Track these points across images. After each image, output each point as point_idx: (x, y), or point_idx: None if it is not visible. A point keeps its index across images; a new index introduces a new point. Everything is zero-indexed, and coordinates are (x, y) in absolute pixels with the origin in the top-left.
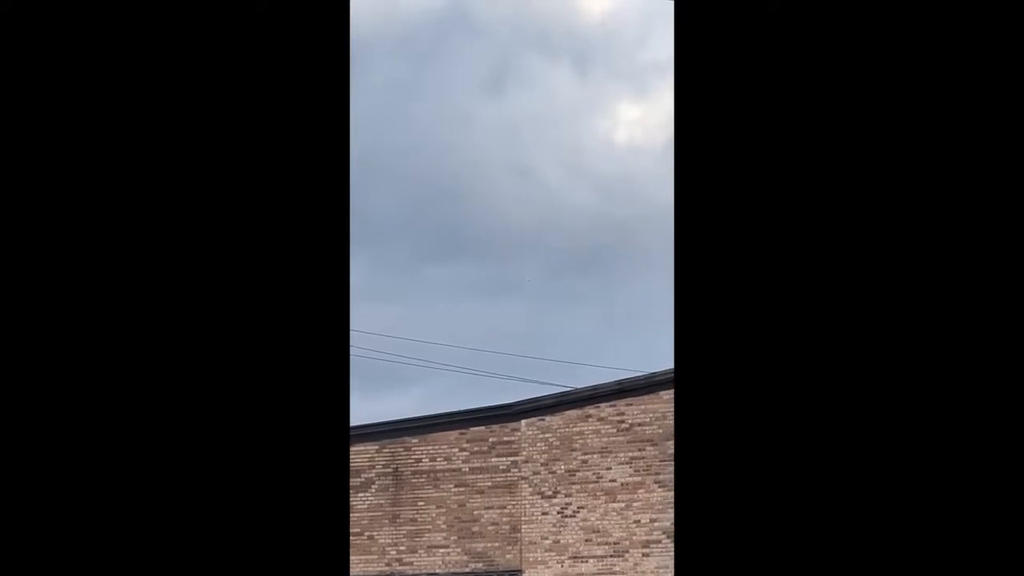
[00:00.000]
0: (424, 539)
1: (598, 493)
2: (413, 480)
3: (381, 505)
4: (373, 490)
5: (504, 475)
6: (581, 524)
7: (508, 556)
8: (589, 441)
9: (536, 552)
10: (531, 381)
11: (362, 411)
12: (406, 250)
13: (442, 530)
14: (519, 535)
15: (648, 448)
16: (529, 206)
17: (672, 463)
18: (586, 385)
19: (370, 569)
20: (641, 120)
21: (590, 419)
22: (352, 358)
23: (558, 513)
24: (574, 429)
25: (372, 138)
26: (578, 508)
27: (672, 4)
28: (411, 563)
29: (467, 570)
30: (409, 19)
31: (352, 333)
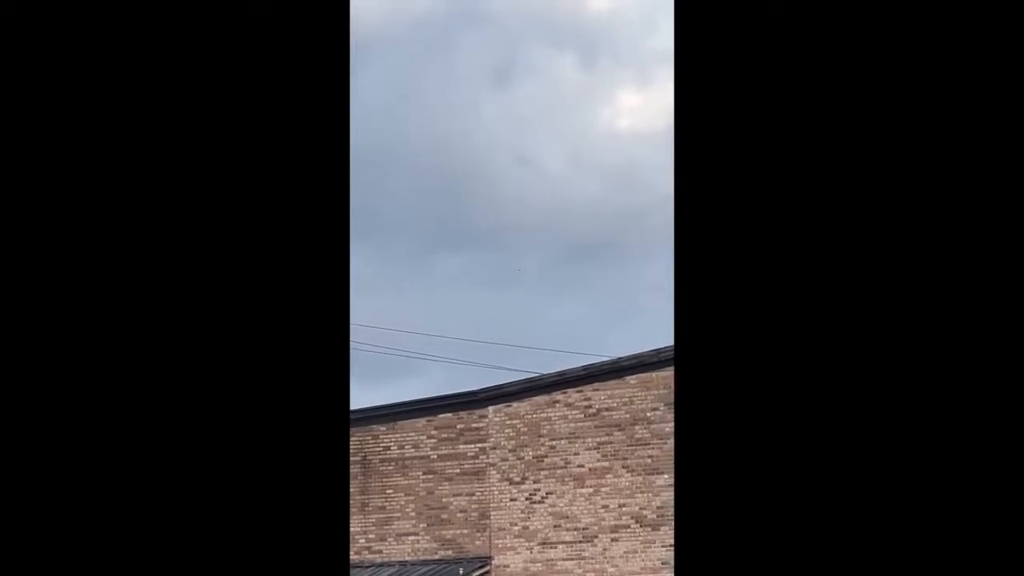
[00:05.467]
0: (393, 527)
1: (566, 479)
2: (381, 468)
3: (350, 493)
4: None
5: (472, 462)
6: (550, 510)
7: (477, 543)
8: (556, 427)
9: (505, 538)
10: (532, 372)
11: (361, 402)
12: (412, 241)
13: (411, 518)
14: (488, 522)
15: (615, 433)
16: (535, 196)
17: (639, 447)
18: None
19: None
20: (646, 109)
21: (557, 405)
22: (353, 350)
23: (527, 499)
24: (541, 415)
25: (378, 130)
26: (546, 494)
27: None
28: (380, 551)
29: (436, 557)
30: (415, 11)
31: (354, 326)
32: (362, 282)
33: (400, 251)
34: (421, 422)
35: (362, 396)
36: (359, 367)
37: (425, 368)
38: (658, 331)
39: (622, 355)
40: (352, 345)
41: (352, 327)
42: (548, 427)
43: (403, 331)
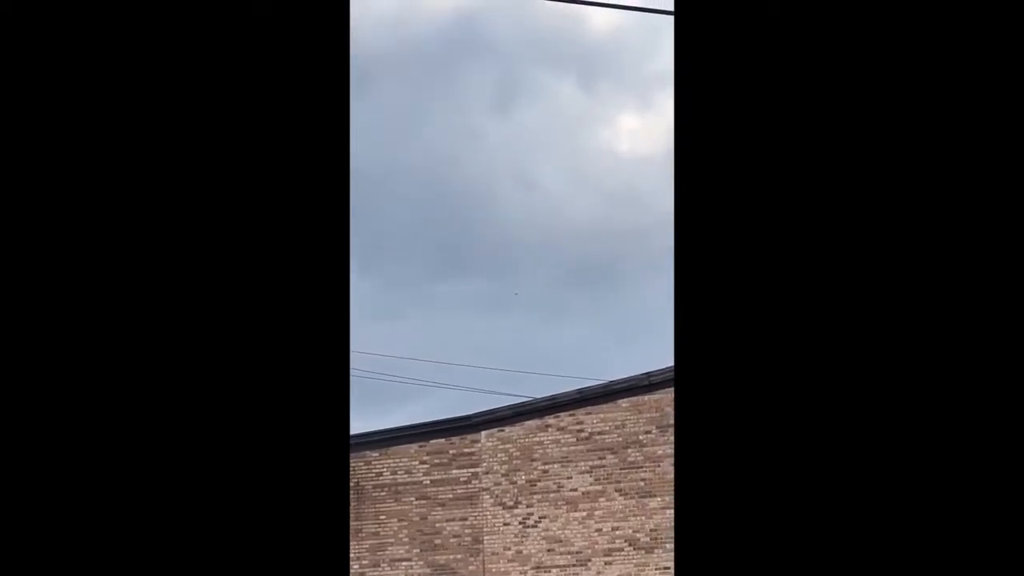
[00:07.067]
0: (387, 553)
1: (559, 503)
2: (374, 494)
3: None
4: None
5: (465, 487)
6: (543, 534)
7: (471, 568)
8: (549, 451)
9: (499, 563)
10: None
11: (363, 429)
12: (414, 267)
13: (404, 543)
14: (481, 546)
15: (608, 456)
16: (537, 219)
17: (632, 470)
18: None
19: None
20: (646, 131)
21: (549, 429)
22: (355, 377)
23: (520, 523)
24: (534, 439)
25: (381, 157)
26: (540, 518)
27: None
28: None
29: None
30: (416, 37)
31: (352, 353)
32: (364, 308)
33: (402, 277)
34: (413, 448)
35: (364, 423)
36: (360, 394)
37: (427, 394)
38: (663, 353)
39: (626, 375)
40: (353, 372)
41: (353, 354)
42: (541, 451)
43: (405, 358)
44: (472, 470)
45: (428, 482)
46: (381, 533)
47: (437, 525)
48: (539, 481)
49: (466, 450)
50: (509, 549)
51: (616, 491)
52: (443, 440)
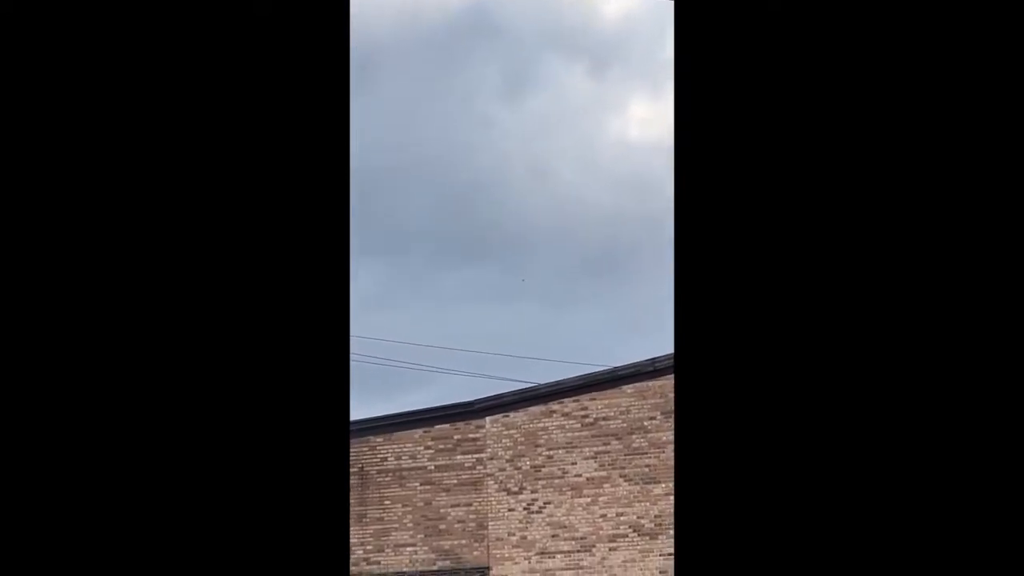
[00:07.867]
0: (391, 538)
1: (564, 488)
2: (379, 479)
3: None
4: None
5: (470, 472)
6: (547, 520)
7: (475, 553)
8: (554, 436)
9: (503, 548)
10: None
11: (371, 415)
12: (425, 255)
13: (409, 528)
14: (486, 532)
15: (613, 442)
16: (547, 207)
17: (636, 456)
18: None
19: None
20: (657, 118)
21: (554, 415)
22: (363, 364)
23: (524, 509)
24: (538, 425)
25: (390, 145)
26: (544, 504)
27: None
28: (379, 562)
29: (435, 568)
30: (426, 24)
31: (361, 340)
32: (374, 296)
33: (412, 265)
34: (418, 433)
35: (370, 409)
36: (367, 380)
37: (433, 381)
38: (672, 341)
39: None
40: (363, 358)
41: (363, 340)
42: (545, 437)
43: (412, 343)
44: (477, 456)
45: (433, 467)
46: (385, 518)
47: (442, 511)
48: (543, 467)
49: (471, 436)
50: (513, 535)
51: (621, 477)
52: (448, 425)
